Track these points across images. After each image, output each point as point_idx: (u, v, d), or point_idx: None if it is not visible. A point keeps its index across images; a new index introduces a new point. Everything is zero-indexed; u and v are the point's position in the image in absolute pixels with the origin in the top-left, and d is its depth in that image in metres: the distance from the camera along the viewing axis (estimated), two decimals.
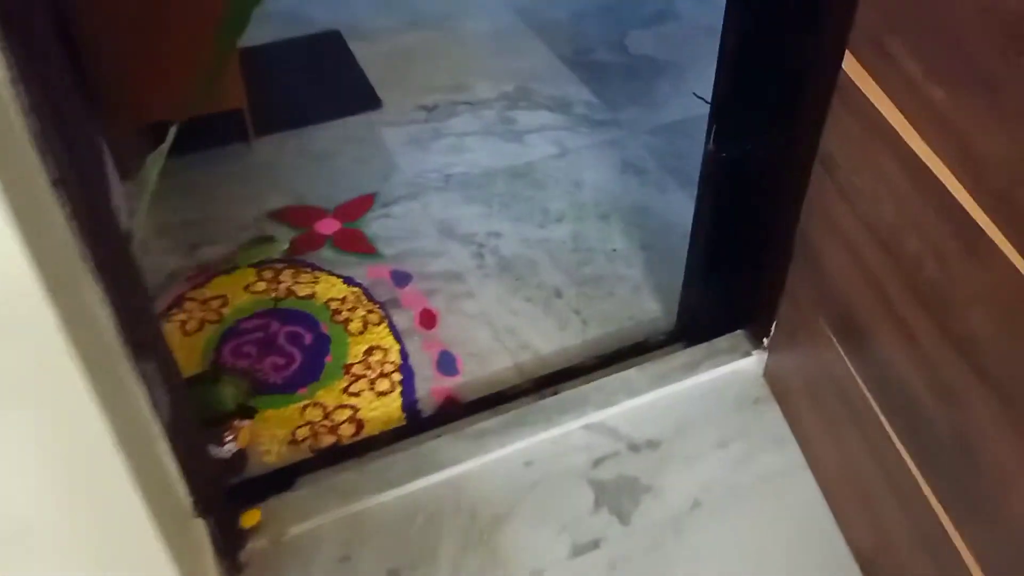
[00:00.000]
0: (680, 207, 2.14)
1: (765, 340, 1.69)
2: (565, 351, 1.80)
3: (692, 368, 1.69)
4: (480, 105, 2.52)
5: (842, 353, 1.36)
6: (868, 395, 1.30)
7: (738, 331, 1.75)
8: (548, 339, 1.83)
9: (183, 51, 1.92)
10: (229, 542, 1.36)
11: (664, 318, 1.87)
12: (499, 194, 2.21)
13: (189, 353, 1.80)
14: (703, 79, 2.76)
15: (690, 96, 2.53)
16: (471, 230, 2.10)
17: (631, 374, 1.68)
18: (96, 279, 0.95)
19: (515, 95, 2.57)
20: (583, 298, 1.92)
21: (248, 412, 1.52)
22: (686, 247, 1.86)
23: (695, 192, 1.92)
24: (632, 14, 2.96)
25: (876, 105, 1.15)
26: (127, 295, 0.99)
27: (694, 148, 2.32)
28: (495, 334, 1.84)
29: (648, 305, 1.90)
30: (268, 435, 1.64)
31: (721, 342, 1.73)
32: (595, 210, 2.15)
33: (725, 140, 1.47)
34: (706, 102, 1.58)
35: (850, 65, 1.22)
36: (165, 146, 1.17)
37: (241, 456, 1.56)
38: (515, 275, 1.98)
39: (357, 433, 1.65)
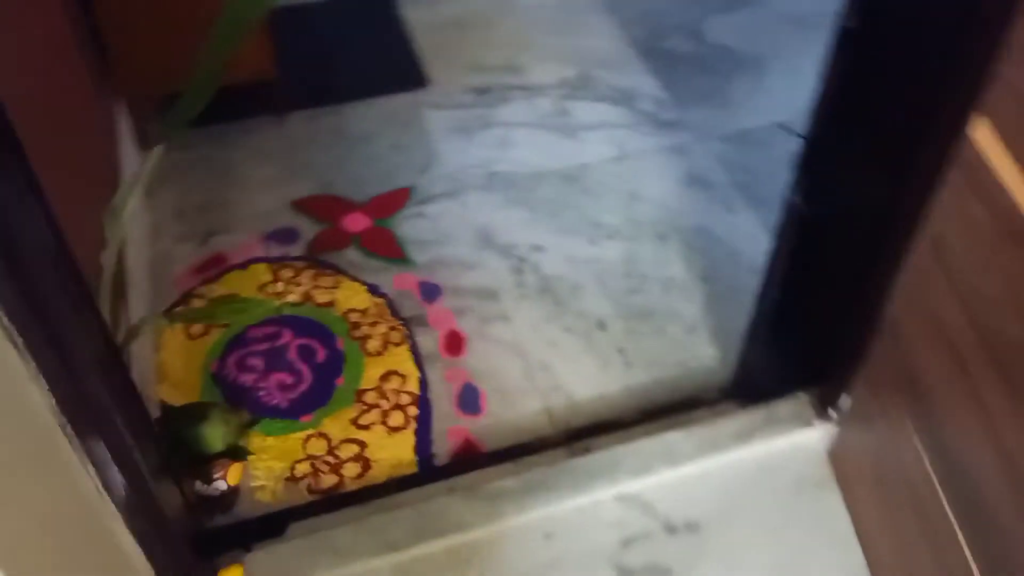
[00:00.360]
0: (749, 232, 1.91)
1: (831, 411, 1.46)
2: (602, 398, 1.60)
3: (746, 436, 1.48)
4: (535, 91, 2.29)
5: (918, 447, 1.14)
6: (944, 501, 1.09)
7: (801, 394, 1.52)
8: (585, 381, 1.63)
9: (202, 20, 1.71)
10: None
11: (719, 368, 1.66)
12: (546, 200, 1.99)
13: (189, 361, 1.64)
14: (785, 79, 2.49)
15: (768, 99, 2.26)
16: (512, 240, 1.89)
17: (675, 437, 1.47)
18: (24, 351, 0.77)
19: (575, 82, 2.32)
20: (630, 334, 1.71)
21: (239, 454, 1.36)
22: (752, 282, 1.63)
23: (766, 215, 1.70)
24: None
25: (1016, 196, 0.91)
26: (63, 372, 0.82)
27: (769, 163, 2.08)
28: (527, 369, 1.64)
29: (702, 350, 1.68)
30: (265, 468, 1.48)
31: (781, 407, 1.51)
32: (652, 228, 1.92)
33: (813, 194, 1.24)
34: (798, 135, 1.33)
35: (982, 134, 0.97)
36: (147, 167, 0.99)
37: (232, 493, 1.40)
38: (556, 298, 1.77)
39: (362, 475, 1.48)
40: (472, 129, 2.17)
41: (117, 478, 0.94)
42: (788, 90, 2.27)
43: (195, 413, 1.29)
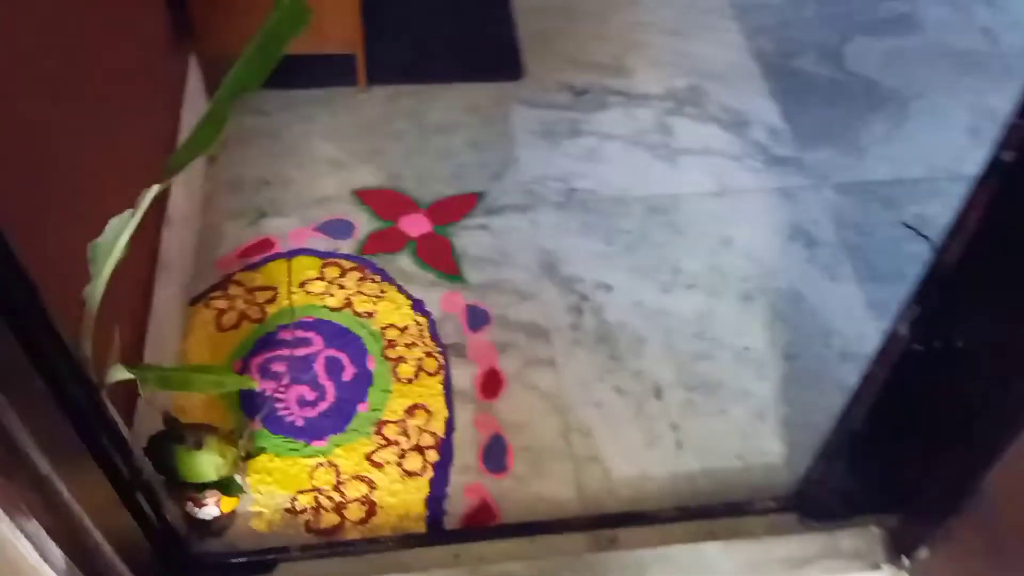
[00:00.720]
0: (849, 309, 1.67)
1: (905, 559, 1.25)
2: (642, 481, 1.42)
3: (798, 566, 1.29)
4: (638, 100, 2.06)
5: None
6: None
7: (872, 528, 1.31)
8: (627, 456, 1.45)
9: None
10: None
11: (782, 468, 1.45)
12: (626, 230, 1.79)
13: (214, 355, 1.54)
14: (929, 127, 2.15)
15: (905, 148, 1.98)
16: (577, 273, 1.70)
17: (714, 551, 1.29)
18: None
19: (684, 95, 2.08)
20: (688, 408, 1.52)
21: (231, 489, 1.25)
22: (841, 371, 1.45)
23: (875, 291, 1.49)
24: (863, 12, 2.35)
25: None
26: None
27: (891, 228, 1.82)
28: (564, 429, 1.48)
29: (767, 443, 1.48)
30: (267, 493, 1.37)
31: (846, 538, 1.31)
32: (738, 284, 1.70)
33: (927, 330, 1.01)
34: (919, 234, 1.11)
35: None
36: (136, 214, 0.86)
37: (225, 518, 1.31)
38: (613, 351, 1.59)
39: (365, 521, 1.36)
40: (560, 135, 1.97)
41: (57, 553, 0.83)
42: (930, 141, 1.99)
43: (190, 439, 1.18)
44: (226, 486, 1.23)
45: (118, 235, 0.86)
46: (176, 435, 1.19)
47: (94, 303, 0.90)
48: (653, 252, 1.75)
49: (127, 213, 0.86)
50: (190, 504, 1.26)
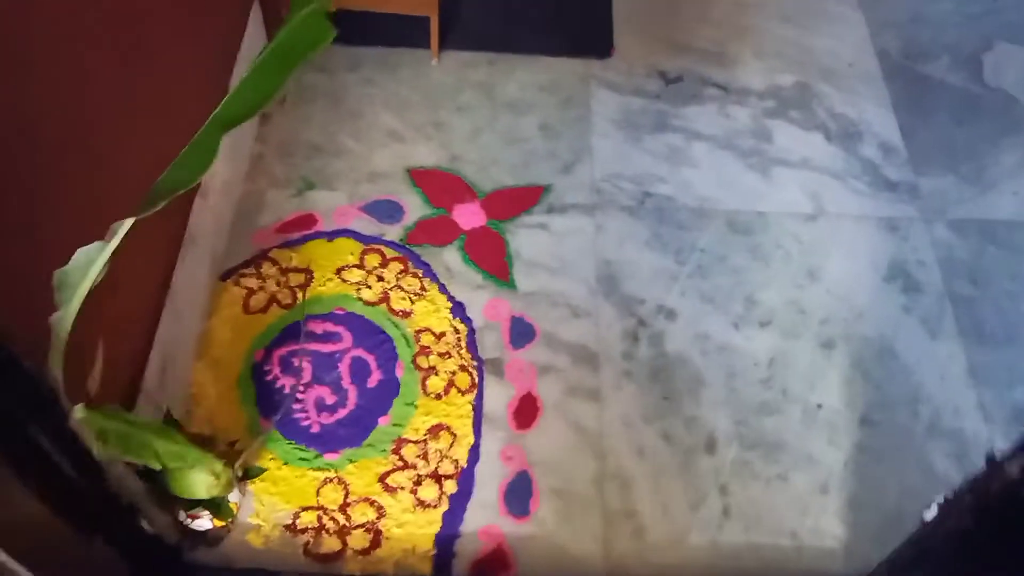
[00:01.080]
0: (946, 373, 1.46)
1: None
2: (678, 547, 1.27)
3: None
4: (736, 96, 1.84)
5: None
6: None
7: None
8: (665, 516, 1.30)
9: None
10: None
11: (840, 554, 1.28)
12: (701, 249, 1.59)
13: (237, 339, 1.44)
14: None
15: None
16: (640, 292, 1.53)
17: None
18: None
19: (789, 95, 1.85)
20: (742, 469, 1.35)
21: (221, 512, 1.15)
22: (929, 450, 1.30)
23: (984, 357, 1.33)
24: (1010, 12, 2.03)
25: None
26: None
27: (1009, 281, 1.58)
28: (600, 475, 1.33)
29: (826, 523, 1.30)
30: (269, 505, 1.28)
31: None
32: (820, 326, 1.50)
33: None
34: None
35: None
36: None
37: (220, 530, 1.22)
38: (667, 389, 1.42)
39: (368, 552, 1.25)
40: (643, 128, 1.77)
41: None
42: None
43: (184, 456, 1.08)
44: (216, 506, 1.14)
45: (87, 268, 0.73)
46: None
47: (63, 332, 0.78)
48: (728, 278, 1.56)
49: (96, 245, 0.74)
50: (182, 514, 1.18)
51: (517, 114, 1.78)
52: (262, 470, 1.27)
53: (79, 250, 0.74)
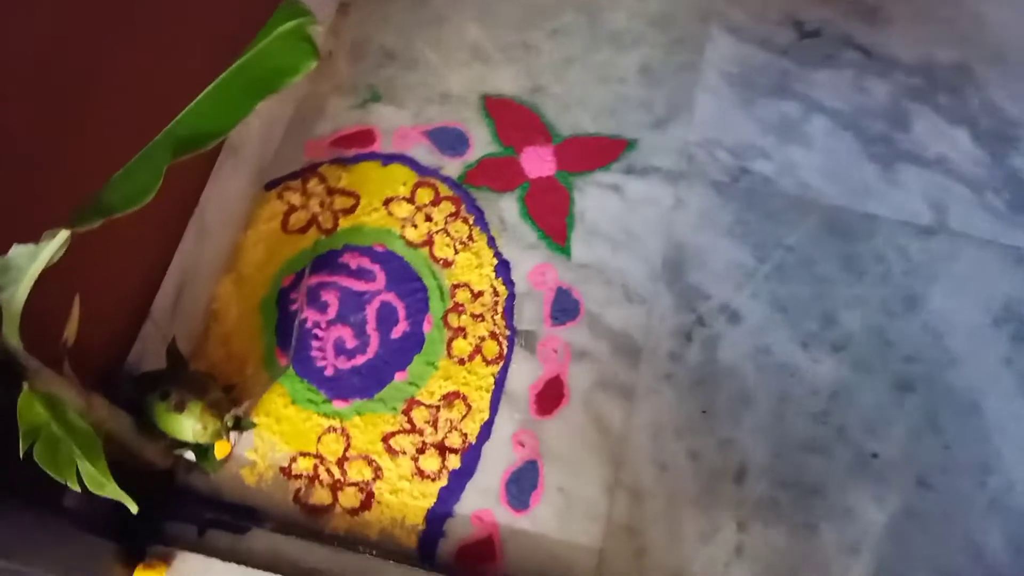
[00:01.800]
0: None
1: None
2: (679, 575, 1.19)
3: None
4: (879, 66, 1.57)
5: None
6: None
7: None
8: (671, 541, 1.21)
9: None
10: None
11: None
12: (788, 246, 1.41)
13: (270, 257, 1.39)
14: None
15: None
16: (707, 286, 1.37)
17: None
18: None
19: (944, 75, 1.56)
20: (768, 508, 1.23)
21: (207, 459, 1.12)
22: (982, 521, 1.16)
23: None
24: None
25: None
26: None
27: None
28: (613, 482, 1.24)
29: None
30: (268, 442, 1.25)
31: None
32: (901, 364, 1.32)
33: None
34: None
35: None
36: None
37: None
38: (708, 402, 1.30)
39: (357, 511, 1.22)
40: (759, 88, 1.54)
41: None
42: None
43: (176, 396, 1.05)
44: (202, 452, 1.11)
45: (27, 262, 0.66)
46: (161, 390, 1.05)
47: (15, 309, 0.72)
48: (810, 287, 1.38)
49: (30, 249, 0.65)
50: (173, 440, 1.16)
51: (618, 49, 1.57)
52: (252, 424, 1.23)
53: (15, 247, 0.67)
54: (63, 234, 0.64)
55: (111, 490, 0.74)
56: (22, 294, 0.70)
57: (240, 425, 1.16)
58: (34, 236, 0.69)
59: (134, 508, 0.75)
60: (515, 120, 1.50)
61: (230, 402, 1.12)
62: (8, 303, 0.71)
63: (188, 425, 1.06)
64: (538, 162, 1.46)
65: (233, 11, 1.20)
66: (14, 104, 0.85)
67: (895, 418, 1.29)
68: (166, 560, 1.10)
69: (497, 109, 1.51)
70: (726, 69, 1.56)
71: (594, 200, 1.44)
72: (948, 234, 1.42)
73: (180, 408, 1.04)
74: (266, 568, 1.11)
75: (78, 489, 0.74)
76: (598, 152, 1.48)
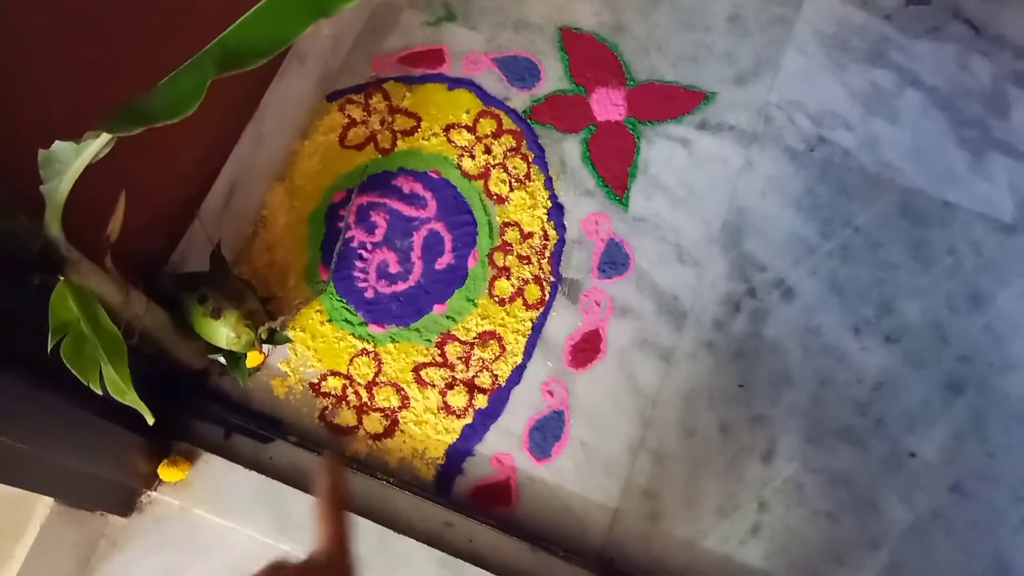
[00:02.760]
0: None
1: None
2: (687, 548, 1.18)
3: None
4: (987, 44, 1.46)
5: None
6: None
7: None
8: (687, 510, 1.20)
9: None
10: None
11: None
12: (856, 227, 1.34)
13: (326, 170, 1.37)
14: None
15: None
16: (763, 256, 1.32)
17: None
18: None
19: None
20: (793, 491, 1.21)
21: (238, 367, 1.13)
22: (1014, 538, 1.10)
23: None
24: None
25: None
26: None
27: None
28: (638, 443, 1.23)
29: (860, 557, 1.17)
30: (302, 356, 1.26)
31: None
32: (955, 363, 1.27)
33: None
34: None
35: None
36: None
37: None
38: (746, 376, 1.26)
39: (380, 437, 1.23)
40: (854, 52, 1.45)
41: None
42: None
43: (213, 303, 1.05)
44: (233, 360, 1.12)
45: (67, 163, 0.65)
46: (200, 294, 1.06)
47: (57, 201, 0.72)
48: (872, 271, 1.32)
49: (72, 145, 0.64)
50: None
51: None
52: (287, 339, 1.23)
53: (57, 143, 0.65)
54: (103, 138, 0.62)
55: (131, 399, 0.75)
56: (65, 186, 0.69)
57: (274, 338, 1.16)
58: (84, 132, 0.68)
59: (151, 419, 0.76)
60: (590, 57, 1.44)
61: (267, 314, 1.12)
62: (52, 194, 0.70)
63: (223, 332, 1.06)
64: (608, 105, 1.41)
65: None
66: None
67: (939, 418, 1.24)
68: (190, 458, 1.12)
69: (573, 43, 1.45)
70: (821, 28, 1.46)
71: (661, 151, 1.38)
72: None
73: (217, 315, 1.05)
74: (284, 480, 1.13)
75: (100, 392, 0.74)
76: (673, 101, 1.41)
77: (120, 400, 0.75)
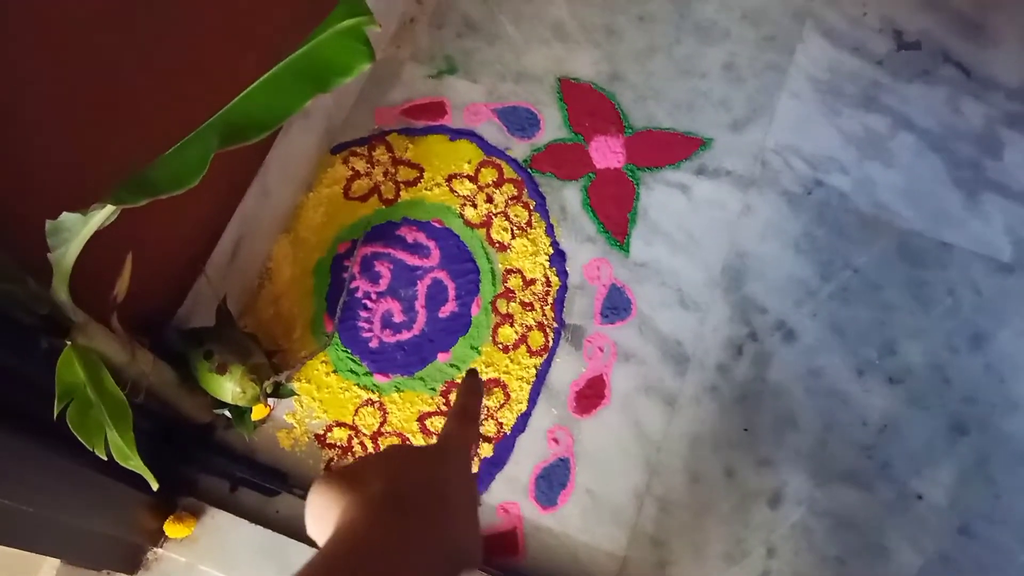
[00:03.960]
0: None
1: None
2: None
3: None
4: (978, 86, 1.48)
5: None
6: None
7: None
8: (697, 561, 1.19)
9: None
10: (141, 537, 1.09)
11: None
12: (855, 268, 1.35)
13: (330, 222, 1.38)
14: None
15: None
16: (764, 299, 1.33)
17: None
18: None
19: None
20: (801, 535, 1.20)
21: (243, 421, 1.13)
22: None
23: None
24: None
25: None
26: None
27: None
28: (643, 489, 1.22)
29: None
30: (308, 408, 1.26)
31: None
32: (959, 405, 1.27)
33: None
34: None
35: None
36: None
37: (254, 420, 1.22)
38: (751, 420, 1.26)
39: None
40: (847, 97, 1.47)
41: None
42: None
43: (219, 358, 1.06)
44: (239, 414, 1.12)
45: (74, 231, 0.66)
46: (206, 350, 1.07)
47: (64, 268, 0.73)
48: (873, 312, 1.32)
49: (79, 217, 0.65)
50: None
51: (704, 41, 1.52)
52: (292, 392, 1.24)
53: (64, 214, 0.67)
54: (108, 208, 0.64)
55: (135, 464, 0.76)
56: (72, 253, 0.71)
57: (279, 392, 1.17)
58: (89, 201, 0.70)
59: (155, 484, 0.76)
60: (589, 106, 1.46)
61: (272, 367, 1.13)
62: (59, 261, 0.71)
63: (228, 387, 1.07)
64: (607, 153, 1.43)
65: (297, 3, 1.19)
66: (80, 73, 0.86)
67: (945, 460, 1.24)
68: (195, 514, 1.12)
69: (572, 93, 1.47)
70: (814, 74, 1.49)
71: (660, 197, 1.40)
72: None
73: (222, 370, 1.06)
74: (291, 534, 1.12)
75: (104, 458, 0.75)
76: (670, 148, 1.43)
77: (124, 465, 0.76)
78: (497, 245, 1.36)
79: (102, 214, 0.64)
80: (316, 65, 0.60)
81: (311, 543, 1.05)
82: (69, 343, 0.77)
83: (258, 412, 1.20)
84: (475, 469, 1.11)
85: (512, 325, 1.31)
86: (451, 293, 1.33)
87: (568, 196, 1.40)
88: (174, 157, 0.60)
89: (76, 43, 0.84)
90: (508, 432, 1.25)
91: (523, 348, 1.30)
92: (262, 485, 1.19)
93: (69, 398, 0.73)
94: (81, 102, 0.87)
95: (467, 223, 1.38)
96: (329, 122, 1.42)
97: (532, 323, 1.31)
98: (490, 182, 1.41)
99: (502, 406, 1.26)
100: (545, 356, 1.30)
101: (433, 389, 1.27)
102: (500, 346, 1.30)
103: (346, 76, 0.61)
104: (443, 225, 1.38)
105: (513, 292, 1.33)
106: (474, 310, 1.32)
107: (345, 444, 1.25)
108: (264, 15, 1.15)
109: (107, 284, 0.87)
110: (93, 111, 0.89)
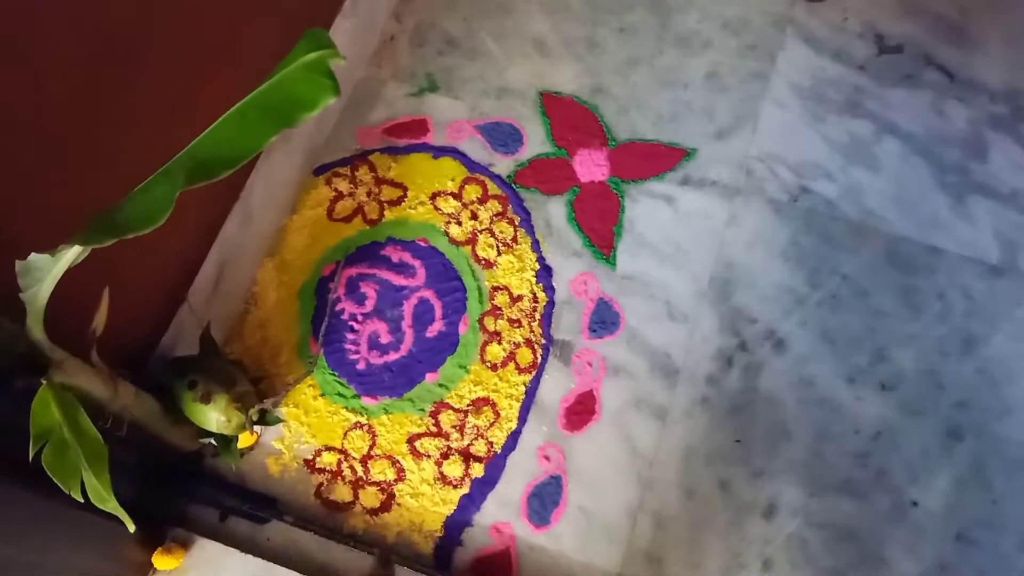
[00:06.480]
0: None
1: None
2: None
3: None
4: (961, 89, 1.48)
5: None
6: None
7: None
8: (692, 572, 1.18)
9: None
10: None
11: None
12: (843, 275, 1.35)
13: (313, 245, 1.38)
14: None
15: None
16: (753, 309, 1.32)
17: None
18: None
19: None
20: (797, 548, 1.19)
21: (229, 450, 1.12)
22: None
23: None
24: None
25: None
26: None
27: None
28: (637, 505, 1.21)
29: None
30: (296, 433, 1.25)
31: None
32: (953, 410, 1.26)
33: None
34: None
35: None
36: None
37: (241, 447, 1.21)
38: (744, 431, 1.25)
39: (376, 513, 1.21)
40: (830, 104, 1.47)
41: None
42: None
43: (203, 388, 1.05)
44: (225, 443, 1.11)
45: (45, 271, 0.65)
46: (190, 380, 1.06)
47: (38, 307, 0.72)
48: (863, 319, 1.32)
49: (48, 257, 0.65)
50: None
51: (686, 52, 1.51)
52: (278, 419, 1.23)
53: (33, 255, 0.66)
54: (76, 248, 0.63)
55: (112, 506, 0.74)
56: (45, 292, 0.70)
57: (266, 419, 1.16)
58: (59, 238, 0.69)
59: (131, 527, 0.75)
60: (571, 120, 1.46)
61: (258, 394, 1.12)
62: (32, 300, 0.70)
63: (213, 417, 1.06)
64: (591, 166, 1.42)
65: (265, 38, 1.18)
66: (55, 109, 0.85)
67: (940, 467, 1.23)
68: (184, 545, 1.11)
69: (554, 107, 1.47)
70: (797, 82, 1.49)
71: (645, 210, 1.39)
72: (1016, 276, 1.34)
73: (206, 400, 1.05)
74: (282, 562, 1.11)
75: (81, 500, 0.74)
76: (654, 160, 1.43)
77: (101, 507, 0.75)
78: (483, 262, 1.36)
79: (71, 253, 0.63)
80: (281, 100, 0.59)
81: (302, 571, 1.04)
82: (44, 382, 0.76)
83: (245, 440, 1.19)
84: None
85: (500, 343, 1.30)
86: (438, 312, 1.33)
87: (553, 211, 1.40)
88: (141, 196, 0.59)
89: (48, 84, 0.83)
90: (499, 451, 1.24)
91: (512, 365, 1.29)
92: (252, 513, 1.18)
93: (45, 439, 0.72)
94: (47, 140, 0.86)
95: (452, 241, 1.37)
96: (311, 143, 1.41)
97: (520, 340, 1.30)
98: (474, 199, 1.40)
99: (492, 425, 1.25)
100: (534, 373, 1.29)
101: (422, 410, 1.26)
102: (488, 364, 1.29)
103: (311, 111, 0.60)
104: (428, 244, 1.37)
105: (500, 309, 1.32)
106: (462, 329, 1.31)
107: (335, 468, 1.23)
108: (231, 53, 1.14)
109: (85, 319, 0.86)
110: (59, 150, 0.88)
